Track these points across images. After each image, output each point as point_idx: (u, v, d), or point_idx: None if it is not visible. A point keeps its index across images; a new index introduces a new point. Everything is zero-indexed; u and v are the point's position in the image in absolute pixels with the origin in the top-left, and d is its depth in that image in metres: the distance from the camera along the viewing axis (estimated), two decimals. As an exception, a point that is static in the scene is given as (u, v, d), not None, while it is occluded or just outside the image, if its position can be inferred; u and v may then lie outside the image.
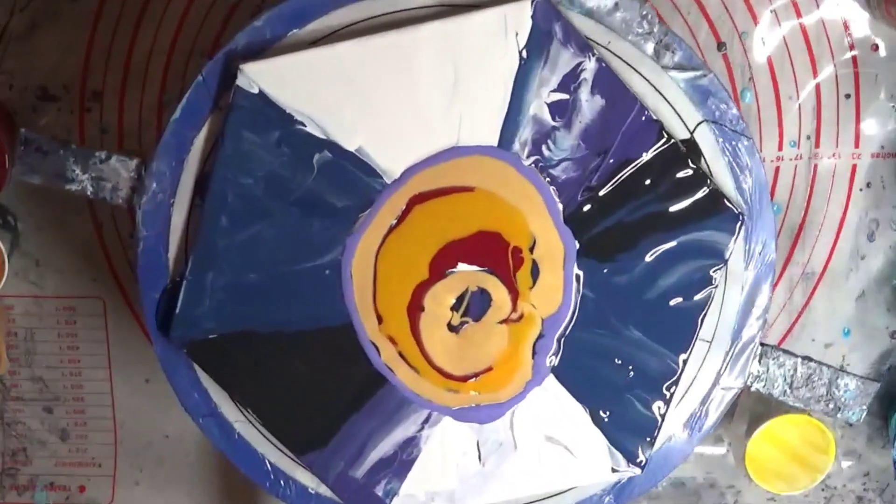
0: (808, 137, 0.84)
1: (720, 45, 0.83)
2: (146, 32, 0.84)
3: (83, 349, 0.90)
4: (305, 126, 0.65)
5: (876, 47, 0.83)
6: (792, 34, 0.83)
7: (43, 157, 0.68)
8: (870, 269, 0.87)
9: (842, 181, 0.85)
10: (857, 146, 0.85)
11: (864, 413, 0.71)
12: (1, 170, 0.81)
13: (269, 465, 0.70)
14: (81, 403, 0.91)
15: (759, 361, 0.70)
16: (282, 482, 0.71)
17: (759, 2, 0.83)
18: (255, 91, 0.65)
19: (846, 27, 0.83)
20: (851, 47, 0.83)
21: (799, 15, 0.83)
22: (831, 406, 0.71)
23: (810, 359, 0.70)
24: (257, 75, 0.65)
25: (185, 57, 0.84)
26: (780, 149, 0.84)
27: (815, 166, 0.85)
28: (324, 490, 0.71)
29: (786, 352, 0.70)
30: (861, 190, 0.85)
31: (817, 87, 0.84)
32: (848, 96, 0.84)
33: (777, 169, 0.85)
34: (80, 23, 0.84)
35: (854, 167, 0.85)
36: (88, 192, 0.68)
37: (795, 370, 0.70)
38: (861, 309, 0.88)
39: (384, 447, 0.69)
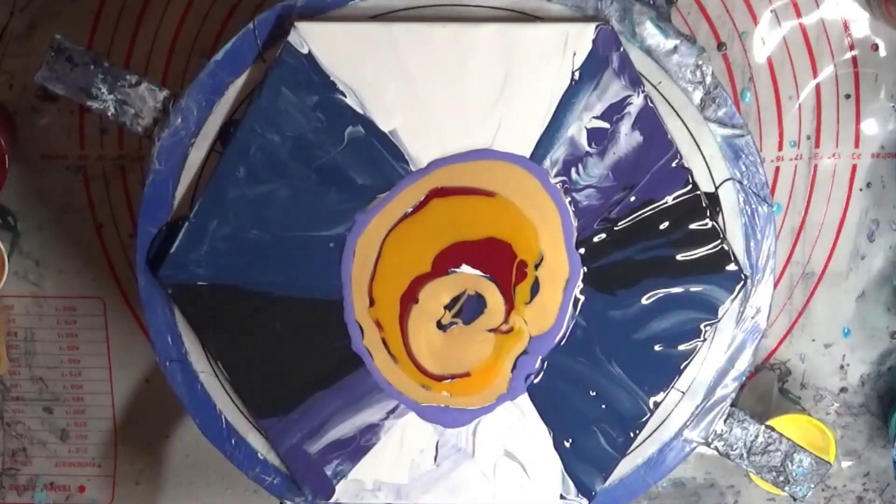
0: (808, 137, 0.85)
1: (720, 45, 0.83)
2: (146, 32, 0.83)
3: (83, 349, 0.89)
4: (345, 97, 0.65)
5: (876, 47, 0.84)
6: (792, 34, 0.83)
7: (72, 67, 0.66)
8: (870, 269, 0.87)
9: (842, 181, 0.85)
10: (857, 146, 0.85)
11: (811, 491, 0.72)
12: (1, 170, 0.79)
13: (224, 422, 0.70)
14: (81, 403, 0.90)
15: (725, 421, 0.71)
16: (232, 441, 0.70)
17: (759, 2, 0.83)
18: (305, 51, 0.64)
19: (846, 27, 0.83)
20: (851, 47, 0.84)
21: (799, 15, 0.83)
22: (781, 478, 0.72)
23: (772, 428, 0.71)
24: (310, 35, 0.64)
25: (185, 57, 0.84)
26: (780, 149, 0.85)
27: (815, 166, 0.85)
28: (272, 458, 0.70)
29: (752, 417, 0.71)
30: (861, 190, 0.86)
31: (817, 87, 0.84)
32: (848, 96, 0.84)
33: (777, 169, 0.85)
34: (80, 23, 0.83)
35: (854, 167, 0.85)
36: (110, 114, 0.66)
37: (757, 436, 0.71)
38: (861, 309, 0.88)
39: (344, 428, 0.69)
